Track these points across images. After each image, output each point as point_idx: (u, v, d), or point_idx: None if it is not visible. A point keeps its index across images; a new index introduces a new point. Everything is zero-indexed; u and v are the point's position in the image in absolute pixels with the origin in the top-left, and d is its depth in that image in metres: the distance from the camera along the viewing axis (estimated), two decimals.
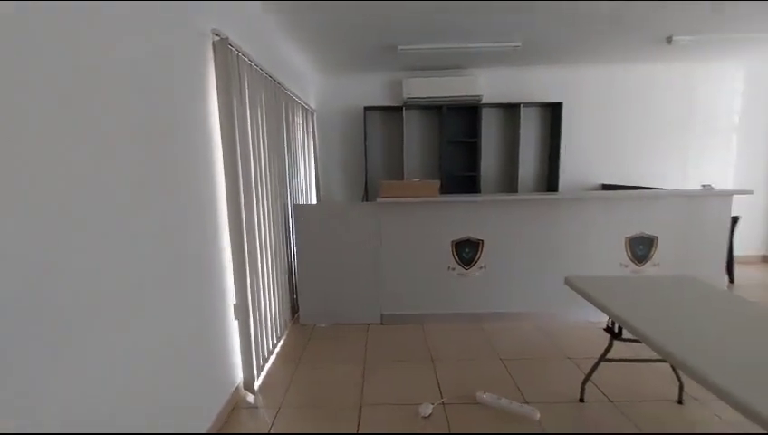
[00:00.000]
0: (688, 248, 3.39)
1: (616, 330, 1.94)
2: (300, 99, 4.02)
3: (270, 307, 2.90)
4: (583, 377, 2.33)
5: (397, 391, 2.43)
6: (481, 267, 3.47)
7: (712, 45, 4.15)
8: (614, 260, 3.41)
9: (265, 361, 2.75)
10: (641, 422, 2.10)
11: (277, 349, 3.01)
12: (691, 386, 2.28)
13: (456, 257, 3.45)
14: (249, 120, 2.52)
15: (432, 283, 3.47)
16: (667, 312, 1.82)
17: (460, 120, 5.16)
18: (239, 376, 2.45)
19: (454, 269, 3.47)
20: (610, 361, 2.23)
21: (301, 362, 2.84)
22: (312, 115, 4.80)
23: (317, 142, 4.95)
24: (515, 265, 3.46)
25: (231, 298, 2.33)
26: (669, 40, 3.86)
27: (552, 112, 5.08)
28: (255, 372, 2.49)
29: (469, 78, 4.97)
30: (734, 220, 4.20)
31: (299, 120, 4.09)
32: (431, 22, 3.34)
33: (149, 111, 1.59)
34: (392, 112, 5.19)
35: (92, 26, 1.28)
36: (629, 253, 3.40)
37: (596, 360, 2.24)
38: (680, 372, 2.24)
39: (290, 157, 3.57)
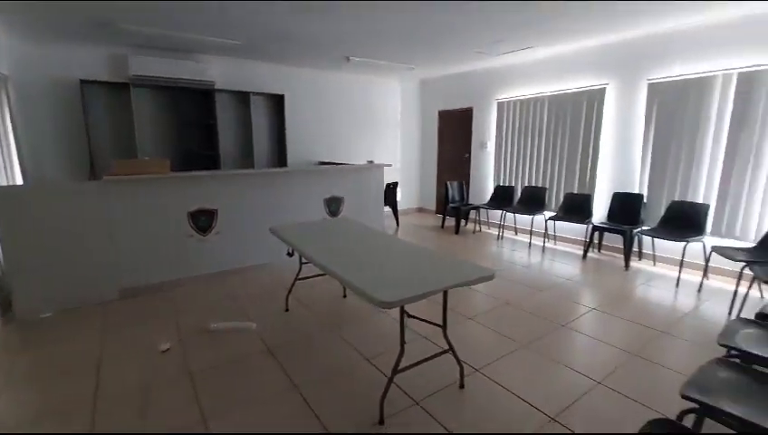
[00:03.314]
0: (361, 202, 4.93)
1: (291, 252, 2.88)
2: None
3: None
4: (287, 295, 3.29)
5: (139, 342, 2.75)
6: (217, 232, 4.01)
7: (378, 67, 5.87)
8: (318, 215, 4.61)
9: None
10: (320, 314, 3.20)
11: None
12: None
13: (194, 226, 3.86)
14: None
15: (173, 251, 3.77)
16: (326, 238, 2.87)
17: (196, 102, 5.36)
18: None
19: (192, 236, 3.88)
20: (303, 279, 3.25)
21: (26, 349, 2.72)
22: (5, 82, 4.00)
23: (13, 113, 4.16)
24: (249, 228, 4.16)
25: None
26: (348, 59, 5.27)
27: (278, 102, 5.94)
28: None
29: (202, 64, 5.19)
30: (396, 184, 6.21)
31: None
32: (155, 5, 3.44)
33: None
34: (118, 89, 4.87)
35: None
36: (327, 209, 4.67)
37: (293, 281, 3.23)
38: None
39: None
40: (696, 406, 1.48)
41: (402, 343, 1.98)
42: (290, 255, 2.93)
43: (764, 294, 3.39)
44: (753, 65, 3.62)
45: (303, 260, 3.10)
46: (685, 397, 1.49)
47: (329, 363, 2.46)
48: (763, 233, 3.49)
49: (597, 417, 1.95)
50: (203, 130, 5.45)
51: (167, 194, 3.67)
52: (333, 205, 4.72)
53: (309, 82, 6.23)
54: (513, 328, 2.90)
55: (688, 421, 1.50)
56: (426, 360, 2.13)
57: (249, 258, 4.22)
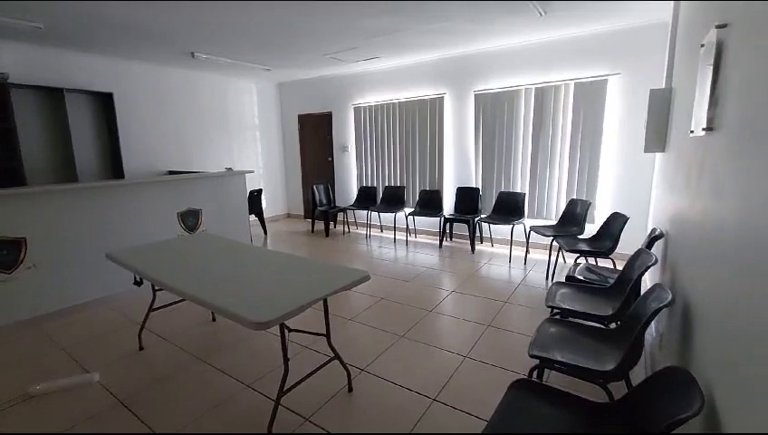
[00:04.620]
0: (222, 214, 4.45)
1: (139, 280, 2.41)
2: None
3: None
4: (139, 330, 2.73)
5: None
6: (29, 267, 3.08)
7: (230, 66, 5.36)
8: (172, 232, 3.96)
9: None
10: (185, 345, 2.75)
11: None
12: None
13: None
14: None
15: None
16: (182, 258, 2.46)
17: None
18: None
19: None
20: (159, 308, 2.73)
21: None
22: None
23: None
24: (79, 256, 3.31)
25: None
26: (193, 55, 4.67)
27: (105, 102, 4.89)
28: None
29: None
30: (260, 191, 5.82)
31: None
32: None
33: None
34: None
35: None
36: (183, 224, 4.06)
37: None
38: None
39: None
40: (539, 362, 1.75)
41: (286, 361, 1.83)
42: (137, 283, 2.42)
43: (567, 260, 4.32)
44: (543, 82, 4.55)
45: (157, 287, 2.62)
46: (532, 356, 1.75)
47: (202, 400, 2.12)
48: (561, 212, 4.43)
49: (469, 388, 2.16)
50: None
51: None
52: (190, 219, 4.13)
53: (146, 80, 5.30)
54: (390, 321, 3.01)
55: (537, 374, 1.77)
56: (312, 373, 2.02)
57: (83, 293, 3.37)
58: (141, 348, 2.69)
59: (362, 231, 6.20)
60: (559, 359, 1.73)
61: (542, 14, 3.56)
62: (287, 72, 6.01)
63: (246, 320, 1.49)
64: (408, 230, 5.79)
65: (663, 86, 3.51)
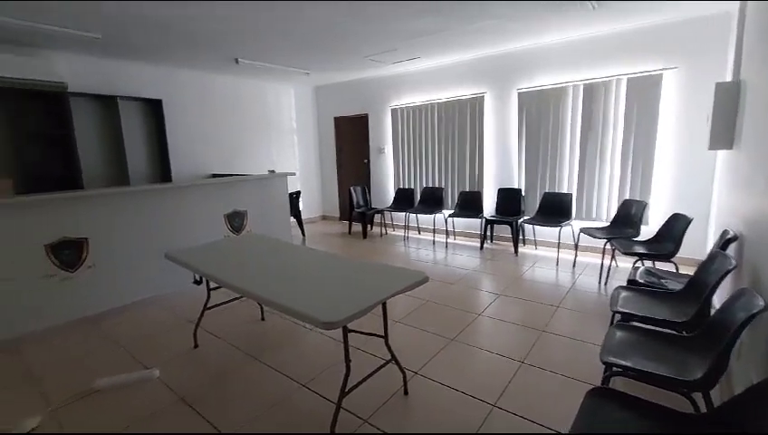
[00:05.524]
0: (266, 215, 4.56)
1: (199, 279, 2.50)
2: None
3: None
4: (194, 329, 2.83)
5: None
6: (89, 266, 3.26)
7: (271, 70, 5.51)
8: (218, 233, 4.10)
9: None
10: (238, 343, 2.82)
11: None
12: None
13: (55, 261, 3.07)
14: None
15: (27, 297, 2.94)
16: (237, 259, 2.54)
17: (42, 109, 4.29)
18: None
19: (54, 275, 3.08)
20: (211, 308, 2.83)
21: None
22: None
23: None
24: (133, 256, 3.48)
25: None
26: (237, 61, 4.83)
27: (154, 108, 5.14)
28: None
29: (47, 61, 4.20)
30: (298, 193, 5.93)
31: None
32: None
33: None
34: None
35: None
36: (229, 226, 4.20)
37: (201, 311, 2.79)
38: None
39: None
40: (618, 369, 1.67)
41: (348, 362, 1.84)
42: (197, 282, 2.52)
43: (619, 265, 4.14)
44: (592, 78, 4.40)
45: (212, 286, 2.71)
46: (605, 362, 1.68)
47: (259, 398, 2.17)
48: (613, 214, 4.26)
49: (530, 395, 2.10)
50: (55, 143, 4.39)
51: (11, 225, 2.84)
52: (236, 220, 4.26)
53: (192, 86, 5.53)
54: (439, 324, 2.98)
55: (606, 381, 1.70)
56: (371, 374, 2.02)
57: (136, 292, 3.53)
58: (196, 346, 2.79)
59: (399, 233, 6.19)
60: (635, 366, 1.65)
61: (594, 7, 3.44)
62: (324, 75, 6.11)
63: (317, 320, 1.51)
64: (447, 232, 5.73)
65: (729, 79, 3.31)
